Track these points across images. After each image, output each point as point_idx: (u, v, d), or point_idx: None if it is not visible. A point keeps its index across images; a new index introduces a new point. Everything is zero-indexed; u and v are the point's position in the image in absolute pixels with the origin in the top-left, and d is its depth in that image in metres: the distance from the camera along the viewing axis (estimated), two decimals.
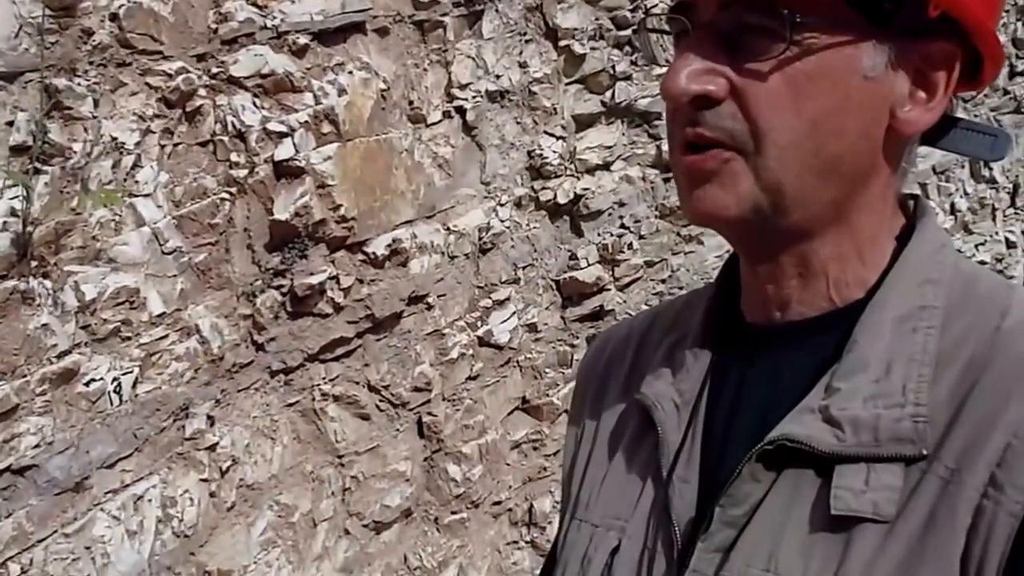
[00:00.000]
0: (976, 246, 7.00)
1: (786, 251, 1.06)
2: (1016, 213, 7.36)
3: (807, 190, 1.01)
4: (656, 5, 4.55)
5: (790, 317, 1.09)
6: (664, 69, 1.06)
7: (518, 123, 4.33)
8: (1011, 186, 7.26)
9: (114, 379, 2.97)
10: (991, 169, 6.96)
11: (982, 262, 6.99)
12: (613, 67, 4.58)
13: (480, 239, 4.17)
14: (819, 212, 1.03)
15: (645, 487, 1.14)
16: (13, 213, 2.74)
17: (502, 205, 4.29)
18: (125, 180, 3.02)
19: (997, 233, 7.18)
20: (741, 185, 1.01)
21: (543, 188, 4.44)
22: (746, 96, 0.99)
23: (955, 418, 0.95)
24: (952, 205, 6.80)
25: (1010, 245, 7.27)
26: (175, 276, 3.14)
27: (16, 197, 2.74)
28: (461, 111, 4.11)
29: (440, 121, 4.03)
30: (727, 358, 1.15)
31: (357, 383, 3.74)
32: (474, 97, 4.13)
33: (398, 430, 3.90)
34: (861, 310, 1.04)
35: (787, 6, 0.96)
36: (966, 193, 6.90)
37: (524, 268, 4.39)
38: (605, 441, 1.25)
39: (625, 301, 4.72)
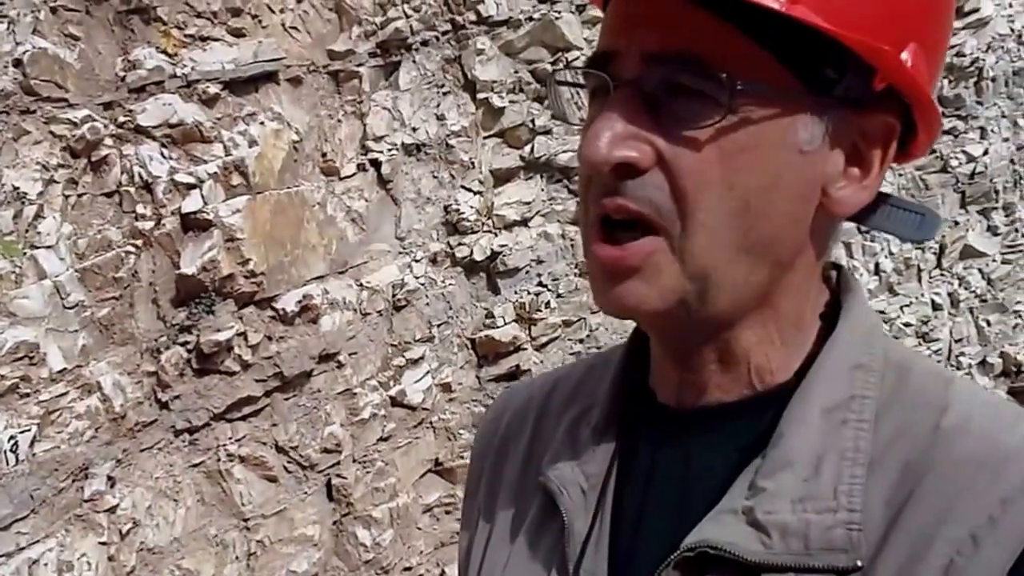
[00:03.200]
0: (901, 307, 7.13)
1: (707, 341, 1.03)
2: (942, 275, 7.48)
3: (734, 275, 0.97)
4: (577, 59, 4.69)
5: (707, 402, 1.05)
6: (578, 127, 1.00)
7: (434, 177, 4.44)
8: (937, 247, 7.37)
9: (11, 438, 3.00)
10: None
11: (907, 324, 7.14)
12: (532, 121, 4.72)
13: (394, 296, 4.25)
14: (744, 298, 0.99)
15: None
16: None
17: (417, 261, 4.38)
18: (27, 231, 3.08)
19: (923, 295, 7.31)
20: (665, 277, 0.96)
21: (459, 244, 4.54)
22: (674, 168, 0.94)
23: (892, 528, 0.92)
24: (877, 265, 6.94)
25: (936, 307, 7.38)
26: (77, 331, 3.20)
27: None
28: (376, 164, 4.21)
29: (354, 174, 4.13)
30: (637, 439, 1.10)
31: (264, 444, 3.80)
32: (389, 150, 4.24)
33: (306, 493, 3.96)
34: (783, 396, 1.01)
35: (725, 69, 0.91)
36: (891, 253, 7.03)
37: (439, 326, 4.48)
38: (505, 524, 1.19)
39: (542, 361, 4.81)
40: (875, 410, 0.98)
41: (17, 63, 3.07)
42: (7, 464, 3.00)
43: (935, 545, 0.89)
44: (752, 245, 0.96)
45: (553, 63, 4.70)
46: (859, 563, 0.91)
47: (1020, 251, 7.71)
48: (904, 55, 0.95)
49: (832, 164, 0.98)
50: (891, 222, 1.08)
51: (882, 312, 6.99)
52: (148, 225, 3.37)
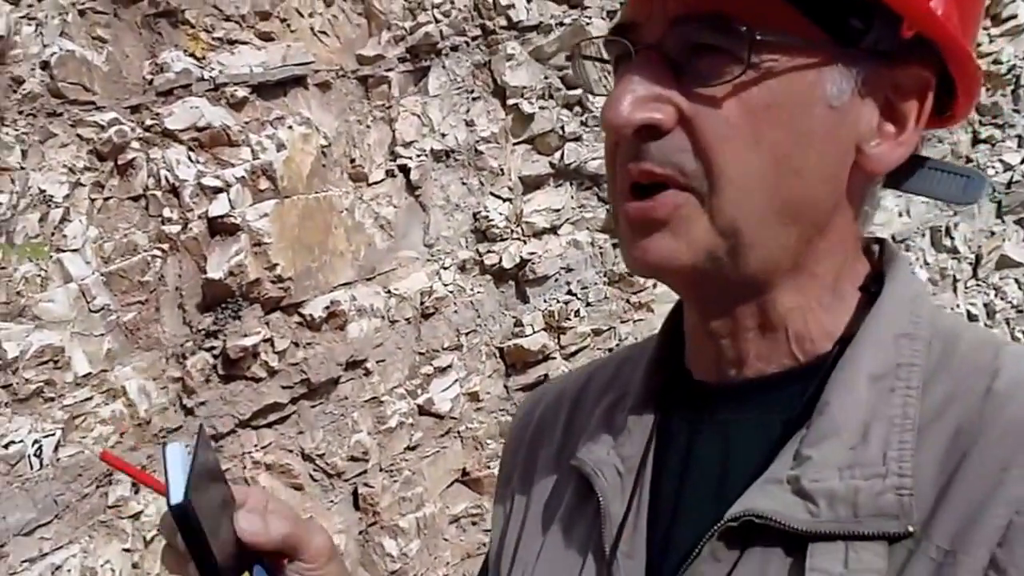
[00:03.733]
0: None
1: (743, 303, 1.02)
2: (978, 285, 7.46)
3: (766, 234, 0.96)
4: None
5: (746, 374, 1.05)
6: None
7: (463, 183, 4.43)
8: (973, 257, 7.35)
9: (35, 442, 3.01)
10: (953, 238, 7.10)
11: None
12: (562, 127, 4.70)
13: (422, 303, 4.25)
14: (778, 259, 0.98)
15: (586, 564, 1.08)
16: None
17: (445, 268, 4.38)
18: (52, 234, 3.09)
19: (958, 305, 7.28)
20: (694, 231, 0.95)
21: (488, 251, 4.53)
22: (697, 126, 0.94)
23: (945, 492, 0.90)
24: None
25: (972, 318, 7.34)
26: (102, 335, 3.20)
27: None
28: (405, 170, 4.20)
29: (383, 180, 4.13)
30: (674, 420, 1.09)
31: (290, 451, 3.79)
32: (418, 156, 4.23)
33: (332, 501, 3.95)
34: (827, 366, 1.00)
35: (745, 23, 0.91)
36: (926, 263, 7.01)
37: (467, 334, 4.47)
38: (539, 513, 1.19)
39: (571, 370, 4.77)
40: (923, 377, 0.96)
41: (44, 65, 3.08)
42: (31, 468, 3.00)
43: (992, 507, 0.87)
44: (783, 203, 0.95)
45: None
46: (911, 528, 0.90)
47: None
48: (933, 3, 0.93)
49: (865, 120, 0.97)
50: (933, 185, 1.06)
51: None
52: (175, 229, 3.37)
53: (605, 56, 1.06)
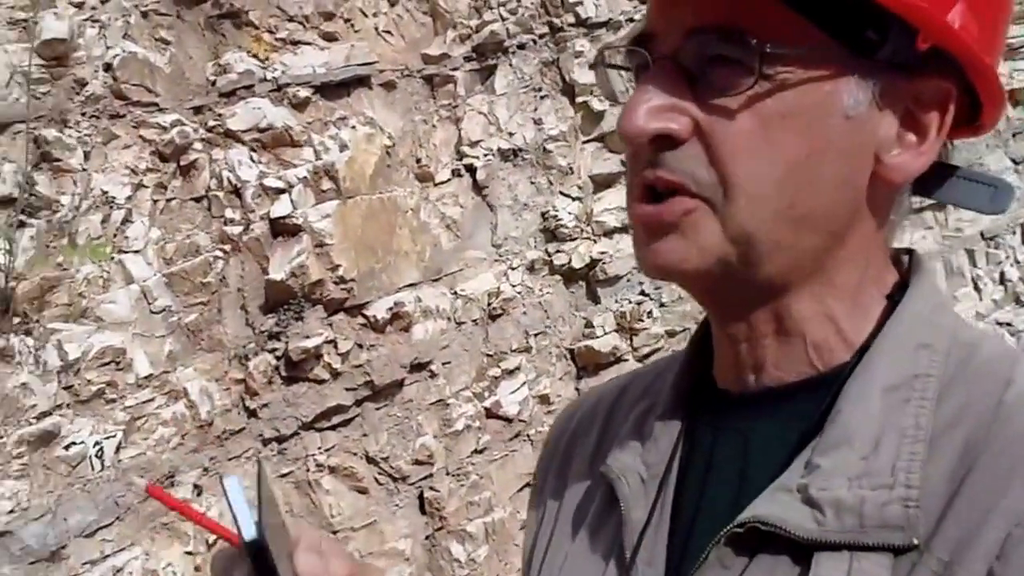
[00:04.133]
0: None
1: (758, 308, 1.01)
2: None
3: (780, 241, 0.96)
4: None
5: (765, 382, 1.04)
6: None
7: (532, 183, 4.40)
8: None
9: (96, 443, 3.03)
10: None
11: None
12: None
13: (489, 304, 4.22)
14: (794, 265, 0.98)
15: (607, 570, 1.09)
16: None
17: (513, 269, 4.35)
18: (114, 235, 3.11)
19: None
20: (705, 236, 0.96)
21: (557, 251, 4.50)
22: (712, 137, 0.95)
23: (950, 504, 0.89)
24: (1002, 274, 6.80)
25: None
26: (164, 336, 3.21)
27: None
28: (471, 169, 4.18)
29: (449, 179, 4.11)
30: (700, 427, 1.09)
31: (355, 454, 3.78)
32: (485, 155, 4.21)
33: (398, 505, 3.93)
34: (846, 375, 0.99)
35: (757, 35, 0.92)
36: (1017, 261, 6.90)
37: (536, 336, 4.44)
38: (568, 520, 1.20)
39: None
40: (938, 389, 0.95)
41: (107, 67, 3.11)
42: (92, 470, 3.02)
43: (992, 519, 0.86)
44: (799, 214, 0.96)
45: None
46: (915, 541, 0.89)
47: None
48: (951, 16, 0.93)
49: (884, 130, 0.97)
50: (961, 194, 1.06)
51: (1009, 324, 6.84)
52: (237, 230, 3.38)
53: (626, 65, 1.06)
